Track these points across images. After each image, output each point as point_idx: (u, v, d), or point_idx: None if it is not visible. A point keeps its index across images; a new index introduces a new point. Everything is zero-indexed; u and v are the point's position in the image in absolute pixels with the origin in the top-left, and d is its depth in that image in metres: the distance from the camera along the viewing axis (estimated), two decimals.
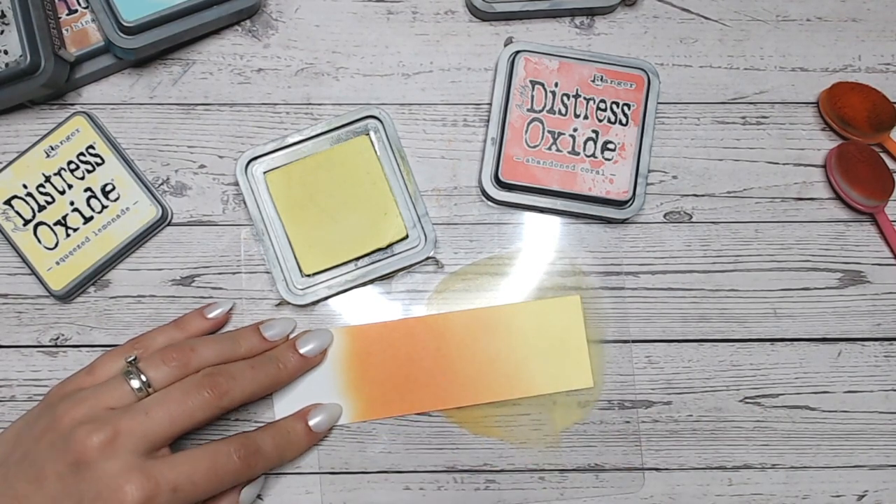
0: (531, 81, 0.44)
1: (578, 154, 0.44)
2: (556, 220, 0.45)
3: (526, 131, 0.44)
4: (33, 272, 0.42)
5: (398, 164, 0.43)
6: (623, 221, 0.45)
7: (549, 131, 0.44)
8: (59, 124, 0.43)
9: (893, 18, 0.48)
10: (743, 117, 0.46)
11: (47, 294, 0.43)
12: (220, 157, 0.45)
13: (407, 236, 0.43)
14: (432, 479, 0.42)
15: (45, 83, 0.42)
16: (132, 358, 0.38)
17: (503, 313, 0.43)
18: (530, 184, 0.44)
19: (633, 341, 0.44)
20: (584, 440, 0.43)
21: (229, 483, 0.37)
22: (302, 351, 0.41)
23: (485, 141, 0.45)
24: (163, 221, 0.43)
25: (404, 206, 0.43)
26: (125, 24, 0.42)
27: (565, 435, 0.43)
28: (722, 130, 0.46)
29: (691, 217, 0.45)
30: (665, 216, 0.45)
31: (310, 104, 0.46)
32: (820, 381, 0.44)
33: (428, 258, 0.44)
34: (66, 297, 0.43)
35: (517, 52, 0.45)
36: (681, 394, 0.44)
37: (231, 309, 0.43)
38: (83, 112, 0.43)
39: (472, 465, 0.43)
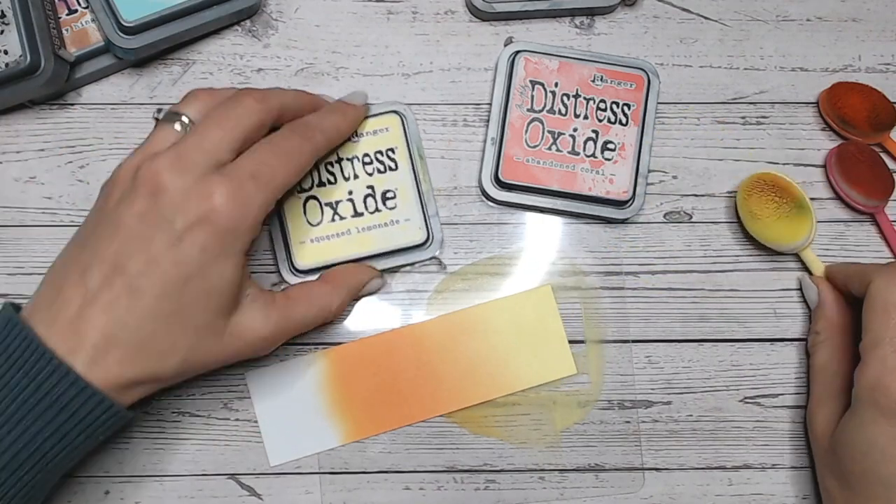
0: (531, 81, 0.44)
1: (578, 154, 0.44)
2: (557, 220, 0.45)
3: (526, 131, 0.44)
4: (284, 240, 0.42)
5: (416, 162, 0.43)
6: (623, 221, 0.45)
7: (549, 131, 0.44)
8: (375, 115, 0.43)
9: (893, 18, 0.48)
10: (743, 117, 0.47)
11: (275, 269, 0.43)
12: None
13: (426, 242, 0.43)
14: (432, 479, 0.42)
15: (45, 83, 0.42)
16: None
17: (478, 313, 0.43)
18: (530, 184, 0.44)
19: (633, 341, 0.44)
20: (584, 440, 0.43)
21: (303, 161, 0.37)
22: (353, 102, 0.42)
23: (485, 141, 0.45)
24: (423, 245, 0.43)
25: (416, 206, 0.43)
26: (125, 24, 0.42)
27: (565, 435, 0.43)
28: (722, 130, 0.46)
29: (691, 217, 0.45)
30: (665, 216, 0.45)
31: None
32: None
33: (432, 258, 0.44)
34: (300, 273, 0.42)
35: (517, 52, 0.45)
36: (681, 394, 0.44)
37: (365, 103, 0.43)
38: (398, 112, 0.44)
39: (472, 465, 0.43)
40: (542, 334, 0.43)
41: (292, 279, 0.42)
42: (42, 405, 0.32)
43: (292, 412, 0.42)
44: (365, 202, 0.42)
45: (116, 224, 0.34)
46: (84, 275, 0.33)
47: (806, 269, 0.44)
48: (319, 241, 0.42)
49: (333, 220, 0.42)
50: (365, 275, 0.42)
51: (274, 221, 0.43)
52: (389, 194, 0.43)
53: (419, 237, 0.43)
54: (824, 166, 0.46)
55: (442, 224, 0.45)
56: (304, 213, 0.42)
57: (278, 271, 0.43)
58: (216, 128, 0.35)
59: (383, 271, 0.43)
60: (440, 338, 0.43)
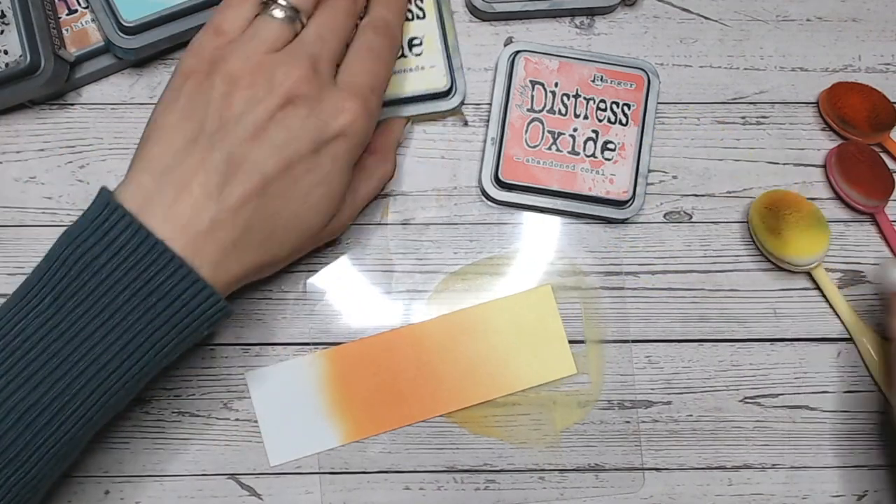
0: (531, 81, 0.44)
1: (578, 154, 0.44)
2: (556, 220, 0.45)
3: (526, 131, 0.44)
4: None
5: (444, 14, 0.44)
6: (623, 221, 0.45)
7: (549, 131, 0.44)
8: None
9: (893, 18, 0.48)
10: (743, 117, 0.47)
11: None
12: None
13: (449, 91, 0.44)
14: (432, 479, 0.42)
15: (45, 83, 0.42)
16: None
17: (478, 313, 0.43)
18: (530, 184, 0.44)
19: (633, 341, 0.44)
20: (584, 440, 0.43)
21: (394, 62, 0.39)
22: None
23: (485, 141, 0.45)
24: (447, 94, 0.44)
25: (441, 54, 0.44)
26: (125, 24, 0.42)
27: (565, 435, 0.43)
28: (722, 130, 0.46)
29: (691, 217, 0.45)
30: (665, 216, 0.45)
31: None
32: (820, 381, 0.44)
33: (455, 110, 0.44)
34: None
35: (517, 52, 0.45)
36: (681, 394, 0.44)
37: None
38: None
39: (472, 465, 0.43)
40: (542, 334, 0.43)
41: None
42: (159, 306, 0.32)
43: (292, 412, 0.42)
44: None
45: (244, 122, 0.33)
46: (205, 173, 0.33)
47: (818, 288, 0.44)
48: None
49: None
50: (398, 128, 0.43)
51: None
52: (416, 41, 0.44)
53: (442, 84, 0.44)
54: (824, 166, 0.46)
55: (442, 224, 0.45)
56: None
57: None
58: (333, 34, 0.35)
59: (407, 118, 0.44)
60: (440, 338, 0.43)
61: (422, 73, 0.44)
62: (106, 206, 0.32)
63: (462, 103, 0.45)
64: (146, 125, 0.35)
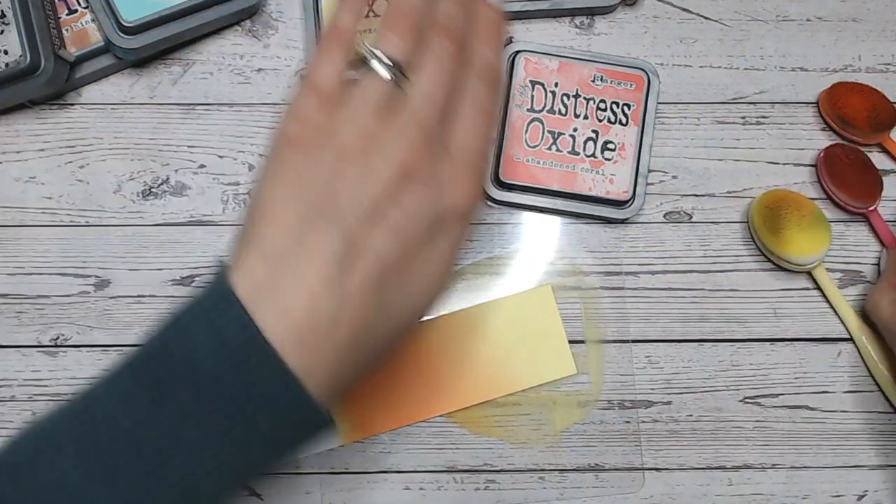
0: (531, 81, 0.44)
1: (578, 154, 0.44)
2: (556, 220, 0.45)
3: (526, 131, 0.44)
4: (317, 28, 0.43)
5: None
6: (623, 221, 0.45)
7: (549, 131, 0.44)
8: None
9: (893, 18, 0.48)
10: (743, 117, 0.46)
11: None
12: (220, 157, 0.45)
13: None
14: (432, 479, 0.42)
15: (45, 83, 0.42)
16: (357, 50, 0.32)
17: (478, 313, 0.43)
18: (530, 184, 0.44)
19: (633, 341, 0.44)
20: (584, 440, 0.43)
21: (498, 106, 0.35)
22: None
23: None
24: None
25: None
26: (125, 24, 0.42)
27: (565, 435, 0.43)
28: (722, 130, 0.46)
29: (691, 217, 0.45)
30: (665, 216, 0.45)
31: None
32: (820, 381, 0.44)
33: None
34: None
35: (517, 52, 0.45)
36: (681, 394, 0.44)
37: None
38: None
39: (472, 465, 0.43)
40: (543, 334, 0.43)
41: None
42: (263, 423, 0.28)
43: None
44: None
45: (359, 201, 0.29)
46: (322, 259, 0.28)
47: (818, 288, 0.44)
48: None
49: (367, 15, 0.43)
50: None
51: (308, 10, 0.44)
52: None
53: None
54: (815, 166, 0.46)
55: None
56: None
57: (307, 60, 0.45)
58: (443, 91, 0.31)
59: None
60: (440, 338, 0.43)
61: None
62: (222, 296, 0.28)
63: None
64: (250, 198, 0.32)
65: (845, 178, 0.44)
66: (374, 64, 0.31)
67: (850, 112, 0.45)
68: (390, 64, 0.30)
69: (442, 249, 0.31)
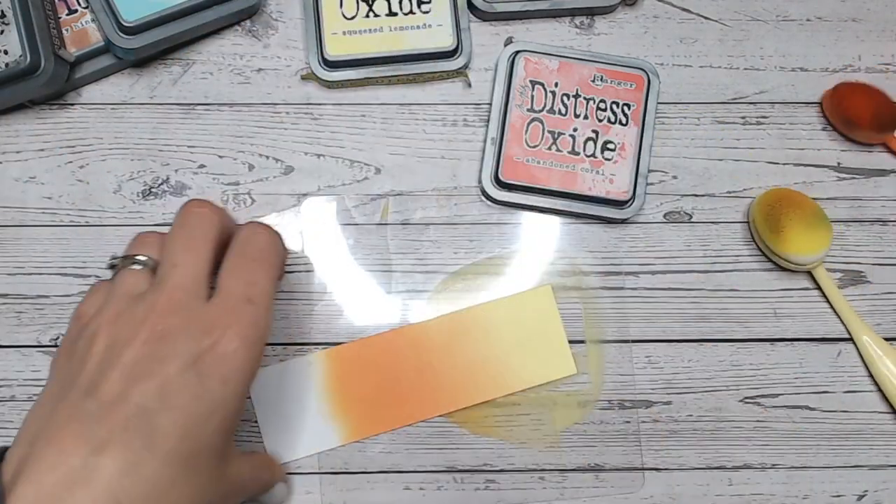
0: (531, 81, 0.44)
1: (578, 154, 0.44)
2: (556, 220, 0.45)
3: (526, 131, 0.44)
4: (317, 29, 0.44)
5: None
6: (623, 221, 0.45)
7: (549, 131, 0.44)
8: None
9: (893, 18, 0.48)
10: (743, 117, 0.47)
11: (304, 58, 0.45)
12: (220, 157, 0.45)
13: (455, 51, 0.44)
14: (432, 479, 0.42)
15: (45, 83, 0.42)
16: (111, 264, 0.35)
17: (478, 313, 0.43)
18: (530, 184, 0.44)
19: (633, 341, 0.44)
20: (584, 440, 0.43)
21: (281, 254, 0.36)
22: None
23: (485, 141, 0.45)
24: (452, 54, 0.44)
25: (449, 13, 0.44)
26: (125, 24, 0.42)
27: (565, 435, 0.43)
28: (722, 130, 0.46)
29: (691, 217, 0.45)
30: (665, 216, 0.45)
31: (309, 104, 0.46)
32: (820, 381, 0.44)
33: (460, 70, 0.45)
34: (331, 66, 0.44)
35: (517, 52, 0.45)
36: (681, 394, 0.44)
37: None
38: None
39: (472, 465, 0.43)
40: (542, 334, 0.43)
41: (320, 70, 0.44)
42: None
43: (292, 413, 0.42)
44: (400, 2, 0.44)
45: (110, 365, 0.31)
46: (78, 422, 0.29)
47: (818, 287, 0.44)
48: (352, 34, 0.44)
49: (368, 15, 0.44)
50: (279, 475, 0.40)
51: (308, 10, 0.45)
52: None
53: (449, 43, 0.44)
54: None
55: (442, 224, 0.45)
56: (341, 5, 0.44)
57: (306, 60, 0.45)
58: (188, 253, 0.33)
59: (412, 76, 0.45)
60: (440, 338, 0.43)
61: (429, 31, 0.44)
62: None
63: (467, 65, 0.45)
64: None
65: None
66: (126, 266, 0.34)
67: (855, 113, 0.45)
68: (139, 258, 0.34)
69: (213, 387, 0.31)
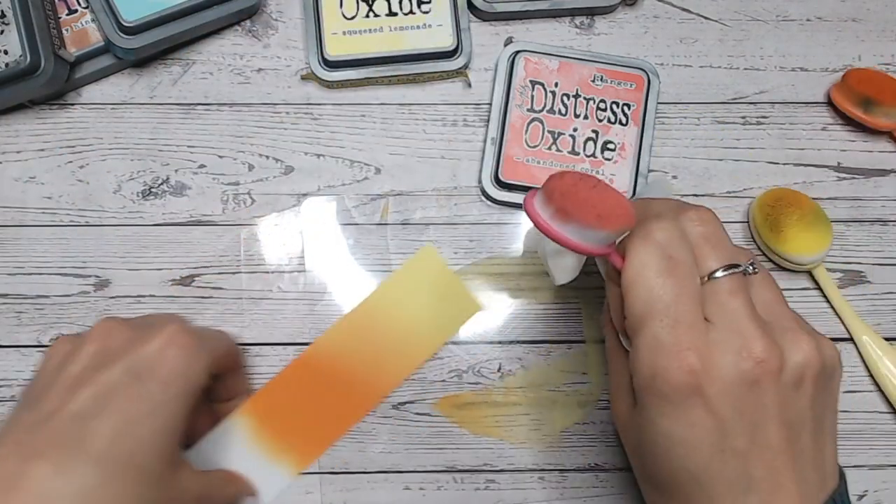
0: (531, 81, 0.44)
1: (578, 154, 0.44)
2: None
3: (526, 131, 0.44)
4: (317, 29, 0.44)
5: None
6: None
7: (549, 131, 0.44)
8: None
9: (893, 18, 0.48)
10: (743, 117, 0.47)
11: (304, 58, 0.45)
12: (220, 157, 0.45)
13: (455, 51, 0.45)
14: (432, 479, 0.42)
15: (45, 83, 0.42)
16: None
17: (373, 301, 0.43)
18: (530, 184, 0.44)
19: None
20: (584, 440, 0.43)
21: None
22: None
23: (485, 141, 0.45)
24: (452, 54, 0.44)
25: (450, 13, 0.45)
26: (125, 24, 0.42)
27: (565, 435, 0.43)
28: (722, 130, 0.46)
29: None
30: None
31: (310, 104, 0.46)
32: None
33: (460, 70, 0.45)
34: (331, 66, 0.44)
35: (517, 52, 0.45)
36: None
37: None
38: None
39: (472, 465, 0.43)
40: (440, 289, 0.43)
41: (320, 70, 0.44)
42: None
43: (240, 469, 0.40)
44: (400, 2, 0.44)
45: (58, 380, 0.33)
46: (19, 439, 0.31)
47: (818, 287, 0.44)
48: (352, 34, 0.44)
49: (368, 15, 0.44)
50: (246, 489, 0.40)
51: (308, 10, 0.45)
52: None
53: (449, 43, 0.44)
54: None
55: (442, 224, 0.45)
56: (341, 5, 0.44)
57: (306, 60, 0.45)
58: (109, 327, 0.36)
59: (412, 76, 0.45)
60: (348, 340, 0.43)
61: (429, 31, 0.44)
62: None
63: (467, 65, 0.45)
64: None
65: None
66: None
67: (876, 89, 0.44)
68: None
69: (153, 391, 0.32)
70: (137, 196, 0.44)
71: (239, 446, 0.41)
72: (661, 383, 0.29)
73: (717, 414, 0.28)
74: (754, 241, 0.45)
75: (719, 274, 0.30)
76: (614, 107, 0.44)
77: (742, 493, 0.29)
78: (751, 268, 0.31)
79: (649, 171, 0.45)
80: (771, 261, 0.44)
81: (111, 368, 0.33)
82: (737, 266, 0.30)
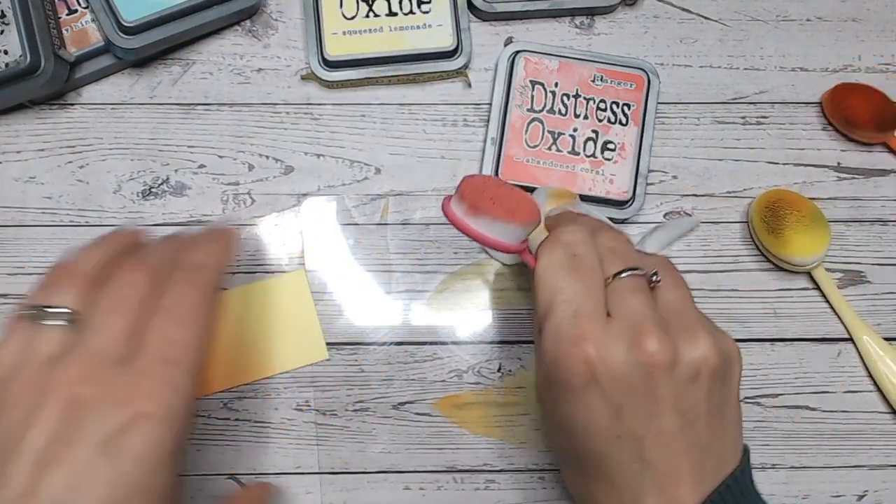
0: (531, 81, 0.44)
1: (578, 154, 0.44)
2: None
3: (526, 131, 0.44)
4: (317, 29, 0.44)
5: None
6: (623, 221, 0.45)
7: (549, 131, 0.44)
8: None
9: (893, 18, 0.48)
10: (743, 117, 0.47)
11: (304, 58, 0.45)
12: (220, 157, 0.45)
13: (455, 51, 0.45)
14: (432, 479, 0.42)
15: (45, 83, 0.42)
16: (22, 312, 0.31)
17: (232, 297, 0.43)
18: (530, 184, 0.44)
19: None
20: None
21: (207, 311, 0.32)
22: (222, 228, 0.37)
23: (485, 141, 0.45)
24: (452, 54, 0.44)
25: (450, 13, 0.45)
26: (125, 24, 0.42)
27: None
28: (722, 130, 0.46)
29: (691, 217, 0.45)
30: (665, 216, 0.45)
31: (310, 104, 0.46)
32: (820, 381, 0.44)
33: (460, 70, 0.45)
34: (331, 66, 0.44)
35: (517, 52, 0.45)
36: None
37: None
38: None
39: (472, 465, 0.43)
40: (296, 319, 0.43)
41: (320, 70, 0.44)
42: None
43: None
44: (400, 2, 0.44)
45: (23, 448, 0.29)
46: None
47: (818, 288, 0.44)
48: (352, 34, 0.44)
49: (368, 15, 0.44)
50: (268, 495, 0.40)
51: (308, 10, 0.45)
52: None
53: (449, 43, 0.44)
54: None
55: (442, 224, 0.45)
56: (341, 5, 0.44)
57: (306, 60, 0.45)
58: (115, 316, 0.31)
59: (412, 76, 0.45)
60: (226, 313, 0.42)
61: (429, 31, 0.44)
62: None
63: (467, 65, 0.45)
64: None
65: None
66: (43, 316, 0.30)
67: (854, 113, 0.45)
68: (56, 311, 0.30)
69: (125, 465, 0.29)
70: (137, 196, 0.44)
71: None
72: (561, 370, 0.31)
73: (611, 400, 0.30)
74: (754, 243, 0.45)
75: (623, 275, 0.32)
76: (614, 107, 0.44)
77: (638, 475, 0.31)
78: (655, 276, 0.33)
79: (649, 170, 0.45)
80: (770, 261, 0.44)
81: (84, 443, 0.29)
82: (639, 269, 0.32)
